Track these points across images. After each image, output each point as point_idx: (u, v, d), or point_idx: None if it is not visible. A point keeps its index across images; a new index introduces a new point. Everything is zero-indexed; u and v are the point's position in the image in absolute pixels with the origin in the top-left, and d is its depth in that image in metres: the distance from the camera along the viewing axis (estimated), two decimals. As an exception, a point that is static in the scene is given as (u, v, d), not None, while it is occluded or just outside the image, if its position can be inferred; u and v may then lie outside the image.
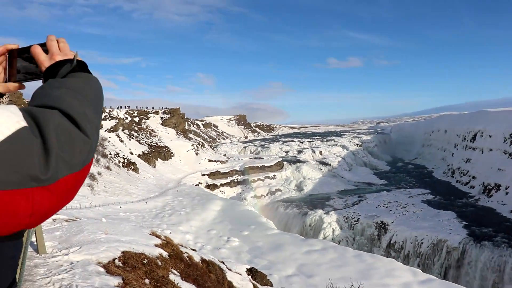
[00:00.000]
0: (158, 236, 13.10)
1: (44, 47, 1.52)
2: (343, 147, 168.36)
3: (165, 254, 10.20)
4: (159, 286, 7.69)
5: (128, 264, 8.30)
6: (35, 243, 8.21)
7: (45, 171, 1.04)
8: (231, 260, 29.10)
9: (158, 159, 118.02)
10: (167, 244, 11.68)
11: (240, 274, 13.91)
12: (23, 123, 1.07)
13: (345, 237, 78.93)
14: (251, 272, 16.81)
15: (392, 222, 76.05)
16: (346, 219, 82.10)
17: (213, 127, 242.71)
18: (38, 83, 1.42)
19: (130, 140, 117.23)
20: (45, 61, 1.48)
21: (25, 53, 1.52)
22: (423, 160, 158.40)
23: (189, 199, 75.25)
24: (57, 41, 1.54)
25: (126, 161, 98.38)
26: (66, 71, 1.43)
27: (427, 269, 62.74)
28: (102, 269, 7.47)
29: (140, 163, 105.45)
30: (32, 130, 1.08)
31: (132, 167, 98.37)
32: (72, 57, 1.49)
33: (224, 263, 14.66)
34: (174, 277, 8.76)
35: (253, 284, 13.10)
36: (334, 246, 40.33)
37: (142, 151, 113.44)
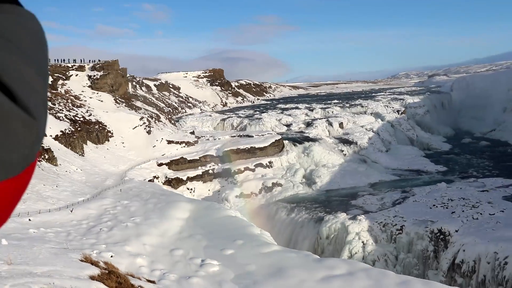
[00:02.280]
0: (94, 263, 12.92)
1: None
2: (377, 115, 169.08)
3: (106, 290, 10.00)
4: None
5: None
6: None
7: None
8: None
9: (88, 142, 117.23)
10: (108, 274, 11.52)
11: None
12: None
13: (383, 254, 79.77)
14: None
15: (456, 231, 76.83)
16: (383, 227, 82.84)
17: (172, 89, 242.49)
18: None
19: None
20: None
21: None
22: (505, 133, 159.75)
23: (140, 203, 75.14)
24: None
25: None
26: None
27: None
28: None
29: (59, 149, 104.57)
30: None
31: (46, 157, 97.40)
32: None
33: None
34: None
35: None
36: (366, 268, 40.69)
37: (61, 131, 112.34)
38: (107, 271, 11.87)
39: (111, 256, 44.31)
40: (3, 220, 1.01)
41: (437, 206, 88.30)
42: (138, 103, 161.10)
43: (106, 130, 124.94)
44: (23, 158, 0.98)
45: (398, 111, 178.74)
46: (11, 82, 0.95)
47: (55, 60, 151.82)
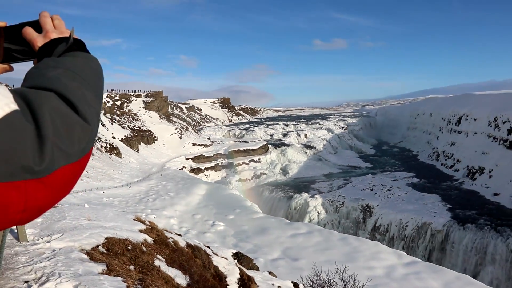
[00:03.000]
0: (142, 222, 13.03)
1: (36, 25, 1.33)
2: (329, 130, 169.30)
3: (149, 239, 10.16)
4: (144, 272, 7.66)
5: (112, 251, 8.24)
6: (15, 230, 8.09)
7: (39, 161, 0.91)
8: (217, 244, 29.25)
9: (141, 143, 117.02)
10: (151, 229, 11.63)
11: (226, 259, 13.99)
12: (13, 106, 0.94)
13: (331, 220, 79.93)
14: (237, 256, 16.93)
15: (377, 205, 77.23)
16: (331, 202, 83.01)
17: (196, 110, 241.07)
18: (30, 65, 1.26)
19: (112, 124, 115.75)
20: (38, 39, 1.30)
21: (14, 31, 1.33)
22: (408, 143, 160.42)
23: (173, 184, 75.08)
24: (51, 18, 1.36)
25: (108, 145, 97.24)
26: (62, 50, 1.26)
27: (411, 251, 64.02)
28: (85, 256, 7.40)
29: (123, 147, 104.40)
30: (24, 114, 0.95)
31: (115, 152, 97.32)
32: (68, 35, 1.32)
33: (209, 248, 14.70)
34: (159, 263, 8.75)
35: (239, 268, 13.18)
36: (319, 229, 40.91)
37: (125, 136, 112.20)
38: (150, 227, 11.97)
39: (154, 218, 44.37)
40: (67, 192, 0.99)
41: (365, 189, 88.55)
42: (174, 119, 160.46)
43: (153, 136, 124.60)
44: (81, 151, 0.98)
45: (342, 127, 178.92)
46: (75, 100, 1.00)
47: (123, 90, 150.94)
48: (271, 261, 30.30)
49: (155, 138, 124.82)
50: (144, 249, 9.21)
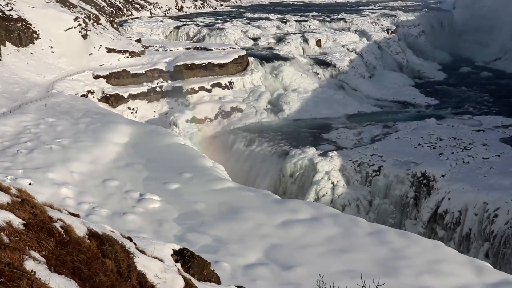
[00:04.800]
0: (4, 189, 12.80)
1: None
2: (362, 33, 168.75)
3: (18, 222, 10.04)
4: (3, 283, 7.53)
5: None
6: None
7: None
8: (145, 235, 29.24)
9: (7, 43, 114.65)
10: (21, 203, 11.43)
11: (162, 261, 14.00)
12: None
13: (355, 198, 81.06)
14: (182, 256, 16.90)
15: (442, 176, 78.01)
16: (358, 166, 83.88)
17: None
18: None
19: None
20: None
21: None
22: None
23: (69, 122, 74.48)
24: None
25: None
26: None
27: (503, 263, 64.93)
28: None
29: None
30: None
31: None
32: None
33: (131, 241, 14.66)
34: (35, 265, 8.65)
35: (184, 278, 13.20)
36: (334, 214, 41.29)
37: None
38: (20, 200, 11.72)
39: (30, 184, 44.01)
40: None
41: (423, 146, 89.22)
42: (74, 1, 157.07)
43: (31, 30, 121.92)
44: None
45: (387, 29, 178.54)
46: None
47: None
48: (244, 268, 30.69)
49: (36, 35, 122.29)
50: (6, 239, 9.04)
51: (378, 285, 13.78)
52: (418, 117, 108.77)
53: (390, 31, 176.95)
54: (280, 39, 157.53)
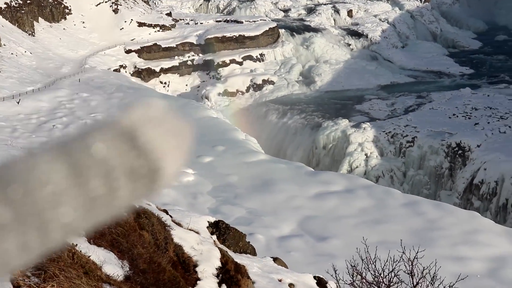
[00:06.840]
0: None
1: None
2: (394, 3, 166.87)
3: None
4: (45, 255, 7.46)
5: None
6: None
7: None
8: (180, 207, 29.33)
9: (40, 19, 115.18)
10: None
11: (198, 233, 13.98)
12: None
13: (389, 170, 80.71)
14: (218, 228, 16.90)
15: (478, 146, 77.41)
16: (391, 137, 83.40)
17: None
18: None
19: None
20: None
21: None
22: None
23: (102, 97, 74.87)
24: None
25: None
26: None
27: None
28: None
29: (2, 25, 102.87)
30: None
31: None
32: None
33: (167, 213, 14.65)
34: (75, 237, 8.55)
35: (220, 249, 13.17)
36: (367, 185, 41.07)
37: (6, 3, 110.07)
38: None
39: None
40: None
41: (457, 116, 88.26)
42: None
43: (62, 6, 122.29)
44: None
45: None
46: None
47: None
48: (279, 239, 30.73)
49: (67, 11, 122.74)
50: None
51: (416, 254, 13.67)
52: (452, 87, 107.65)
53: (423, 0, 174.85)
54: (310, 10, 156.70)
